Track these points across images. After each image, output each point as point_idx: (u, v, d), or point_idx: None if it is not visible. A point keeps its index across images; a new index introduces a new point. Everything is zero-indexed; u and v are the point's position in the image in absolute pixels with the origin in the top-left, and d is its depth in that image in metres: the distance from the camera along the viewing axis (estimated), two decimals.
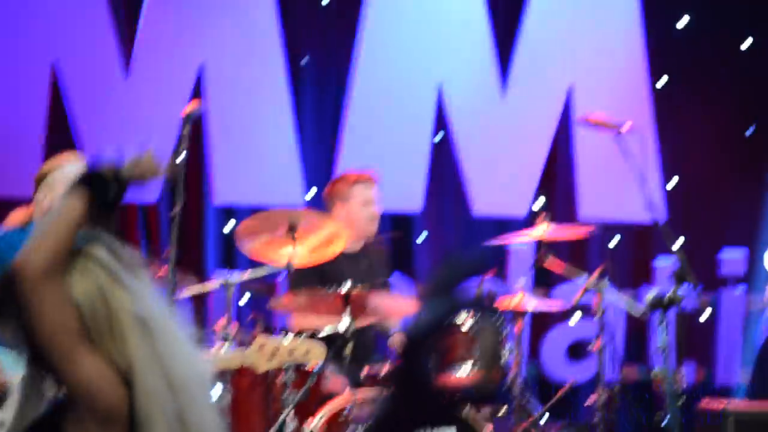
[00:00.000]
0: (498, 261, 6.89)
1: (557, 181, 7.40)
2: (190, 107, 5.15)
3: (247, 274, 5.75)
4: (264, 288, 6.45)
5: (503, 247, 6.76)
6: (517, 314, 5.93)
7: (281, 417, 5.22)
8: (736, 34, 7.38)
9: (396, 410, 1.44)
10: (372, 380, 5.51)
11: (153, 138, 6.60)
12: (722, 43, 7.39)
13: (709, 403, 5.88)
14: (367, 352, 5.86)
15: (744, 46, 7.38)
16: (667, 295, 5.05)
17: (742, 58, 7.43)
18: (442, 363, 4.87)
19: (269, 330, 5.38)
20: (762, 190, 7.39)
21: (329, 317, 5.50)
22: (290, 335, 5.29)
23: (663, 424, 5.46)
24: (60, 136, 6.51)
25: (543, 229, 5.92)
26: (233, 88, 6.85)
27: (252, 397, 5.60)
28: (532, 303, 6.03)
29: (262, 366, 4.98)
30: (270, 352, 4.91)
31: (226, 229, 7.00)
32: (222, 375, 5.41)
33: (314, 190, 6.97)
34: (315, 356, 5.00)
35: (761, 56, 7.40)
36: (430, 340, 1.53)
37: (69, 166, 4.58)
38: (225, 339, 5.33)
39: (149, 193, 6.62)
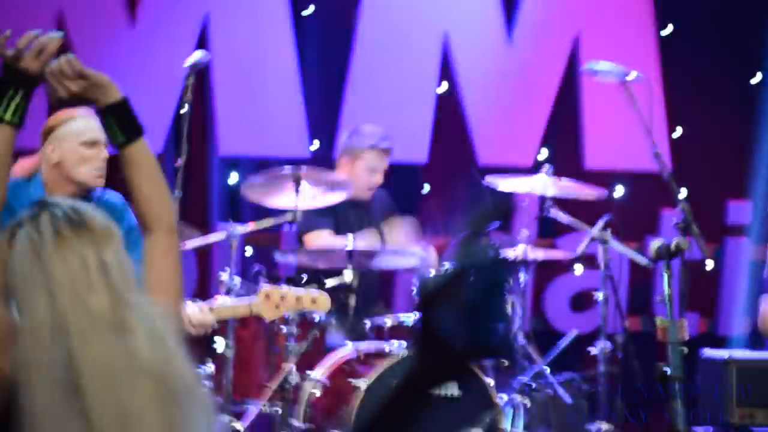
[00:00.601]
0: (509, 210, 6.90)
1: (563, 131, 7.36)
2: (194, 57, 5.22)
3: (252, 226, 5.74)
4: (268, 239, 6.49)
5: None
6: (520, 265, 5.94)
7: (286, 368, 5.28)
8: None
9: (417, 367, 1.43)
10: (375, 332, 5.58)
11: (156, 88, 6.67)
12: None
13: (711, 353, 5.84)
14: (370, 304, 5.91)
15: None
16: (672, 244, 5.02)
17: (750, 5, 7.41)
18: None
19: (275, 280, 5.37)
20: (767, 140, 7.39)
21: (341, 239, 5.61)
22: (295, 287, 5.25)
23: (666, 374, 5.09)
24: None
25: (546, 182, 5.93)
26: (238, 39, 6.87)
27: (255, 348, 5.64)
28: (535, 254, 6.05)
29: (270, 315, 5.01)
30: (277, 300, 4.95)
31: (231, 181, 7.02)
32: (226, 326, 5.41)
33: (317, 143, 6.98)
34: (321, 305, 5.05)
35: None
36: (451, 293, 1.53)
37: (78, 120, 4.55)
38: (229, 291, 5.33)
39: (153, 145, 6.66)
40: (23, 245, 2.16)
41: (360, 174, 5.90)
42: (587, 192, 6.18)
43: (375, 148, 5.90)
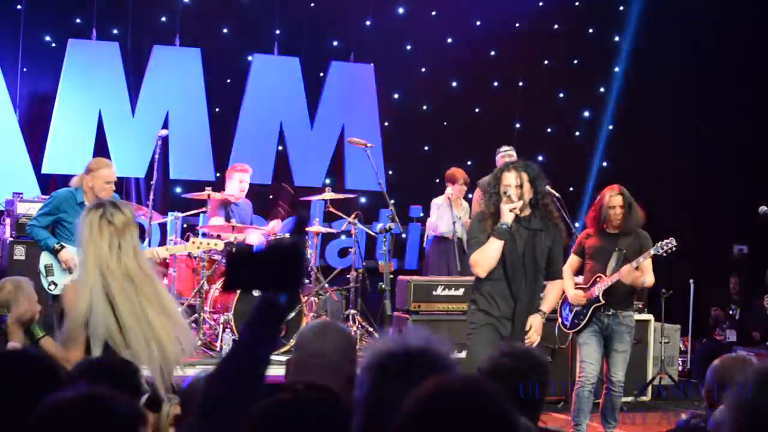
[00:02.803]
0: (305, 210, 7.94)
1: (334, 170, 8.47)
2: (162, 132, 6.43)
3: (185, 215, 7.12)
4: (192, 220, 7.48)
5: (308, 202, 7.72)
6: (315, 234, 6.95)
7: (201, 281, 6.57)
8: None
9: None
10: None
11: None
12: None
13: (403, 278, 6.48)
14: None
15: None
16: (386, 225, 6.14)
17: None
18: None
19: (196, 235, 6.54)
20: None
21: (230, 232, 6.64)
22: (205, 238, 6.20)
23: (383, 287, 5.77)
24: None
25: (328, 194, 7.08)
26: (188, 126, 7.95)
27: (188, 271, 6.92)
28: (322, 229, 7.15)
29: (194, 251, 6.03)
30: (198, 245, 5.85)
31: (177, 190, 7.89)
32: (174, 259, 6.43)
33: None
34: (219, 246, 5.99)
35: None
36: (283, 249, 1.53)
37: (106, 169, 5.29)
38: (175, 243, 6.52)
39: (141, 171, 7.76)
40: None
41: (233, 187, 7.05)
42: (347, 198, 7.15)
43: (237, 170, 7.10)
